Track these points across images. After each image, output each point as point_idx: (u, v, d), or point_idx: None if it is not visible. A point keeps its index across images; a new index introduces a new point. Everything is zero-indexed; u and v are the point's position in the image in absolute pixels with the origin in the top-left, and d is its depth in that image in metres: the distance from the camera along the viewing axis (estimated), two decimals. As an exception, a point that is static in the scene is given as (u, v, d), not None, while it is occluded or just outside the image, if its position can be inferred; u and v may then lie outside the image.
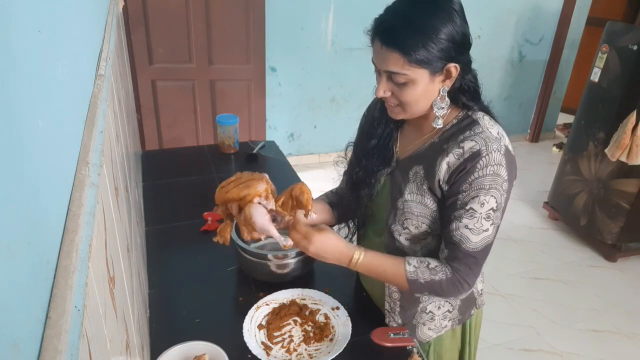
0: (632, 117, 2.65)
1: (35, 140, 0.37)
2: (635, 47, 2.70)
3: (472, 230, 0.95)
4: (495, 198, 0.94)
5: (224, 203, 1.07)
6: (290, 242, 1.05)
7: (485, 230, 0.96)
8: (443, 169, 0.97)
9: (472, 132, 0.95)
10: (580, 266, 2.96)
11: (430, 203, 1.01)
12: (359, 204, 1.16)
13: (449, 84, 0.95)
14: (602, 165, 2.90)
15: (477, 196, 0.93)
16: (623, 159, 2.71)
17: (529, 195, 3.73)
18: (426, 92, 0.94)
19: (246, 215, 1.02)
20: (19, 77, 0.35)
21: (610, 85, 2.85)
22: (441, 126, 0.99)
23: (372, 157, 1.12)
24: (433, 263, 1.01)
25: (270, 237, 1.05)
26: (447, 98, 0.96)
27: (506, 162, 0.93)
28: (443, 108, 0.97)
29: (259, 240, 1.08)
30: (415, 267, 1.00)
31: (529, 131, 4.90)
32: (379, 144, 1.11)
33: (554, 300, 2.64)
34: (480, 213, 0.94)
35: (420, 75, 0.91)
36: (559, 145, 4.58)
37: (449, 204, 0.98)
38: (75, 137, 0.54)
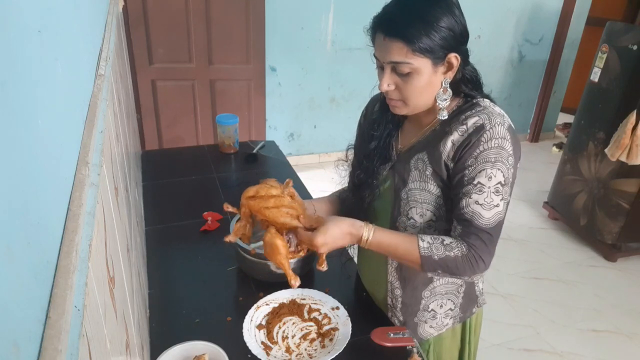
0: (632, 117, 2.65)
1: (35, 140, 0.37)
2: (635, 47, 2.70)
3: (483, 205, 0.95)
4: (502, 172, 0.94)
5: (250, 211, 1.07)
6: (298, 282, 1.07)
7: (496, 206, 0.95)
8: (448, 146, 0.97)
9: (474, 110, 0.96)
10: (580, 266, 2.96)
11: (433, 189, 1.01)
12: (362, 205, 1.17)
13: (450, 75, 0.96)
14: (602, 165, 2.90)
15: (483, 169, 0.93)
16: (623, 159, 2.71)
17: (529, 195, 3.73)
18: (429, 83, 0.95)
19: (270, 245, 1.05)
20: (19, 77, 0.35)
21: (610, 85, 2.85)
22: (446, 117, 0.99)
23: (372, 158, 1.12)
24: (447, 239, 0.99)
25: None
26: (449, 89, 0.97)
27: (510, 136, 0.94)
28: (446, 99, 0.98)
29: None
30: (429, 243, 0.98)
31: (529, 131, 4.90)
32: (379, 145, 1.12)
33: (554, 300, 2.64)
34: (489, 187, 0.94)
35: (424, 65, 0.92)
36: (559, 145, 4.58)
37: (456, 181, 0.97)
38: (75, 137, 0.54)
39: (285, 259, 1.06)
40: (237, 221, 1.13)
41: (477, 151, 0.93)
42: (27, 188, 0.34)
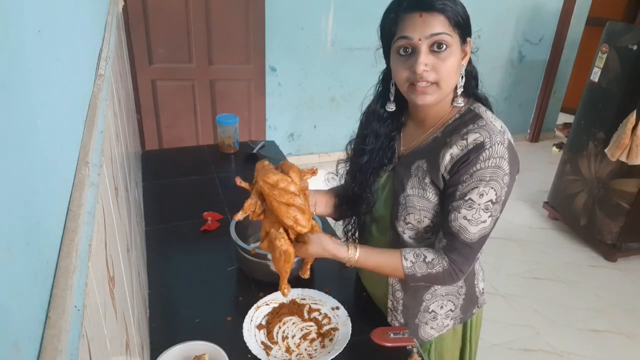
0: (632, 117, 2.65)
1: (35, 140, 0.37)
2: (635, 47, 2.70)
3: (470, 221, 0.96)
4: (495, 190, 0.94)
5: (259, 190, 1.04)
6: (289, 292, 1.08)
7: (483, 222, 0.97)
8: (446, 160, 0.97)
9: (475, 125, 0.96)
10: (580, 266, 2.96)
11: (432, 197, 1.01)
12: (361, 207, 1.16)
13: (464, 62, 0.99)
14: (602, 165, 2.90)
15: (476, 187, 0.94)
16: (623, 159, 2.71)
17: (529, 195, 3.73)
18: (457, 65, 0.96)
19: (277, 257, 1.04)
20: (19, 77, 0.35)
21: (610, 85, 2.85)
22: (462, 105, 1.01)
23: (365, 172, 1.12)
24: (429, 256, 1.01)
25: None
26: (464, 77, 0.99)
27: (509, 155, 0.94)
28: (462, 87, 1.00)
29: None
30: (412, 262, 1.02)
31: (528, 131, 4.90)
32: (381, 145, 1.11)
33: (554, 300, 2.64)
34: (479, 204, 0.95)
35: (455, 43, 0.94)
36: (559, 145, 4.58)
37: (449, 193, 0.98)
38: (75, 137, 0.54)
39: (290, 267, 1.05)
40: (247, 199, 1.08)
41: (474, 169, 0.94)
42: (27, 188, 0.34)
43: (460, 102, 1.00)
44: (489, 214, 0.96)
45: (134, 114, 2.29)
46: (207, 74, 3.42)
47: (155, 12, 3.12)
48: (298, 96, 3.86)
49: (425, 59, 0.93)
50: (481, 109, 1.00)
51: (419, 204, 1.03)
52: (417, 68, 0.93)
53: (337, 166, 1.23)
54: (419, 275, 1.02)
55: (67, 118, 0.51)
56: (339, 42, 3.75)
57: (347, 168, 1.21)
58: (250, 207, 1.06)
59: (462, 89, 1.00)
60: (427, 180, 1.01)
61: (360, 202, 1.15)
